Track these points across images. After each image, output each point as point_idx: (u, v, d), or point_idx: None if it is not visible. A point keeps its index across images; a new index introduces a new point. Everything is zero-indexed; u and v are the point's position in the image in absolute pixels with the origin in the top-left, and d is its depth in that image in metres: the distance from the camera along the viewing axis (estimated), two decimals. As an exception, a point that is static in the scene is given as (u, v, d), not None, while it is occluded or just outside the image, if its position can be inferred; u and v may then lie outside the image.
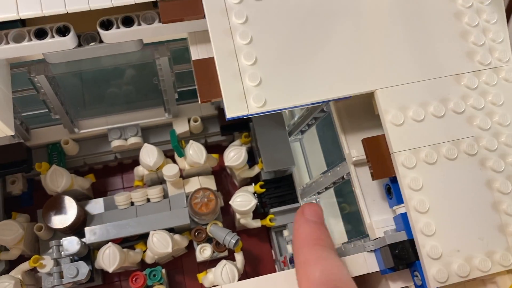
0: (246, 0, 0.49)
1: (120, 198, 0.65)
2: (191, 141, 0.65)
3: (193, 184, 0.67)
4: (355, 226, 0.70)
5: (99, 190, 0.72)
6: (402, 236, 0.48)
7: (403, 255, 0.47)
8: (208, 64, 0.49)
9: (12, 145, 0.66)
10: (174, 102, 0.67)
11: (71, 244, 0.60)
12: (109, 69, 0.65)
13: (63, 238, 0.60)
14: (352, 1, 0.50)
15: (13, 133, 0.52)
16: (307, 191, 0.67)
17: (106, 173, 0.74)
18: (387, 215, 0.52)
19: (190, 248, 0.69)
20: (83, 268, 0.59)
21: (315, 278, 0.39)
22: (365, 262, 0.51)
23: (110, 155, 0.71)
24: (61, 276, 0.59)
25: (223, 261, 0.60)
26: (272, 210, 0.67)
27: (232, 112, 0.47)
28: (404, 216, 0.48)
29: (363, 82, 0.48)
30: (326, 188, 0.63)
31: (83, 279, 0.59)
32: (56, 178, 0.62)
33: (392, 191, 0.50)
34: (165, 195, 0.67)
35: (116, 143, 0.68)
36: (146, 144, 0.64)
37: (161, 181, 0.69)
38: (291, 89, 0.48)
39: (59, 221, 0.61)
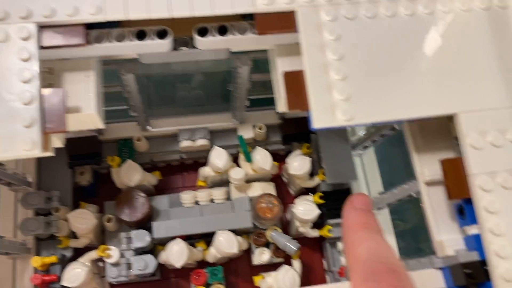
0: (340, 18, 0.52)
1: (186, 196, 0.67)
2: (258, 147, 0.68)
3: (255, 189, 0.69)
4: (409, 244, 0.72)
5: (160, 187, 0.75)
6: (475, 256, 0.49)
7: (474, 274, 0.48)
8: (298, 76, 0.51)
9: (87, 138, 0.69)
10: (243, 108, 0.70)
11: (141, 237, 0.62)
12: (186, 72, 0.68)
13: (133, 231, 0.63)
14: (439, 25, 0.52)
15: (103, 127, 0.55)
16: (367, 205, 0.69)
17: (168, 171, 0.76)
18: (455, 235, 0.54)
19: (245, 251, 0.71)
20: (152, 262, 0.61)
21: (362, 255, 0.39)
22: (432, 279, 0.52)
23: (175, 155, 0.74)
24: (128, 267, 0.62)
25: (286, 266, 0.62)
26: (330, 221, 0.69)
27: (319, 123, 0.49)
28: (477, 237, 0.49)
29: (446, 104, 0.50)
30: (389, 205, 0.65)
31: (151, 272, 0.61)
32: (130, 172, 0.65)
33: (465, 212, 0.51)
34: (228, 198, 0.69)
35: (185, 143, 0.71)
36: (216, 147, 0.67)
37: (223, 183, 0.71)
38: (378, 105, 0.50)
39: (130, 214, 0.63)
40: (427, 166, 0.55)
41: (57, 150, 0.70)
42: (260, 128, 0.72)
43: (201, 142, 0.71)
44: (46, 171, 0.69)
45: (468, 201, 0.50)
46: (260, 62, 0.68)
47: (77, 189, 0.72)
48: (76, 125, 0.52)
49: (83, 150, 0.68)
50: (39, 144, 0.46)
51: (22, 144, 0.45)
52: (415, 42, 0.52)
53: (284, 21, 0.52)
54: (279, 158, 0.76)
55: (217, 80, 0.72)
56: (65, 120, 0.47)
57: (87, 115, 0.52)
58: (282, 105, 0.56)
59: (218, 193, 0.68)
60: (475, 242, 0.50)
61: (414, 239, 0.74)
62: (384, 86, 0.50)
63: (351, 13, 0.52)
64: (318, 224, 0.71)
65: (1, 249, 0.58)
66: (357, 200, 0.47)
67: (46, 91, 0.47)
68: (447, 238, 0.53)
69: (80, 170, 0.71)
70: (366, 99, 0.50)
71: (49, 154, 0.48)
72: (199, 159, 0.76)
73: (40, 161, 0.69)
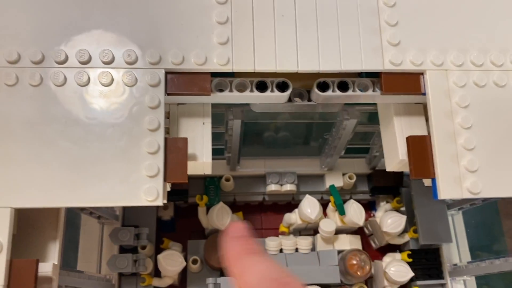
0: (469, 85, 0.50)
1: (272, 244, 0.65)
2: (352, 201, 0.66)
3: (342, 243, 0.67)
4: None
5: (239, 227, 0.73)
6: None
7: None
8: (423, 142, 0.49)
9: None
10: (338, 157, 0.68)
11: (228, 284, 0.61)
12: (290, 121, 0.66)
13: (221, 277, 0.61)
14: None
15: (210, 173, 0.54)
16: (459, 271, 0.66)
17: (247, 210, 0.74)
18: None
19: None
20: (239, 311, 0.59)
21: (253, 280, 0.37)
22: None
23: (259, 196, 0.72)
24: (213, 313, 0.60)
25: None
26: (418, 282, 0.67)
27: (445, 194, 0.47)
28: None
29: None
30: (485, 274, 0.62)
31: (238, 322, 0.59)
32: (222, 215, 0.63)
33: None
34: (313, 247, 0.67)
35: (272, 187, 0.69)
36: (308, 196, 0.65)
37: (307, 230, 0.70)
38: (506, 179, 0.48)
39: (219, 259, 0.61)
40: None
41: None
42: (350, 178, 0.70)
43: (289, 187, 0.70)
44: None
45: None
46: (367, 115, 0.66)
47: (158, 222, 0.71)
48: (189, 171, 0.51)
49: (172, 186, 0.67)
50: (162, 194, 0.45)
51: (147, 194, 0.44)
52: (547, 115, 0.50)
53: (411, 83, 0.51)
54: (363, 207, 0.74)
55: (310, 127, 0.70)
56: (186, 171, 0.46)
57: (202, 164, 0.50)
58: (395, 166, 0.54)
59: (304, 243, 0.66)
60: None
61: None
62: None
63: (483, 80, 0.50)
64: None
65: (90, 286, 0.57)
66: (233, 229, 0.45)
67: (171, 140, 0.47)
68: None
69: (164, 205, 0.70)
70: (495, 172, 0.48)
71: (163, 202, 0.47)
72: (280, 202, 0.74)
73: (127, 194, 0.68)
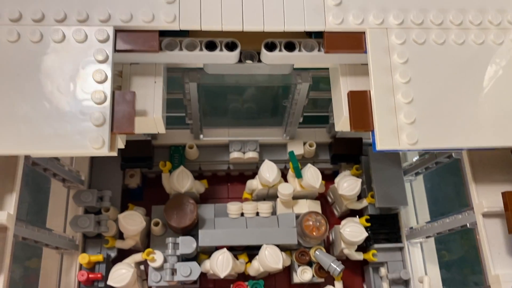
0: (409, 42, 0.52)
1: (233, 207, 0.67)
2: (309, 165, 0.68)
3: (302, 206, 0.69)
4: (454, 275, 0.70)
5: (205, 196, 0.75)
6: (535, 295, 0.48)
7: (535, 315, 0.47)
8: (363, 97, 0.51)
9: (141, 142, 0.70)
10: (296, 125, 0.70)
11: (188, 243, 0.63)
12: (245, 84, 0.69)
13: (180, 237, 0.63)
14: (510, 55, 0.52)
15: (164, 131, 0.56)
16: (416, 233, 0.68)
17: (214, 182, 0.77)
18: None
19: (284, 268, 0.70)
20: (196, 269, 0.61)
21: None
22: (485, 314, 0.51)
23: (223, 165, 0.74)
24: (172, 273, 0.62)
25: (330, 287, 0.61)
26: (376, 246, 0.68)
27: (383, 145, 0.49)
28: (538, 275, 0.48)
29: (513, 136, 0.50)
30: (438, 234, 0.63)
31: (194, 279, 0.61)
32: (182, 179, 0.65)
33: (526, 248, 0.50)
34: (273, 212, 0.69)
35: (235, 154, 0.71)
36: (267, 161, 0.67)
37: (269, 197, 0.71)
38: (443, 131, 0.50)
39: (179, 219, 0.64)
40: (485, 197, 0.54)
41: (110, 151, 0.72)
42: (310, 146, 0.72)
43: (251, 154, 0.72)
44: (98, 171, 0.70)
45: (530, 237, 0.49)
46: (319, 80, 0.68)
47: (125, 191, 0.73)
48: (141, 128, 0.53)
49: (136, 153, 0.70)
50: (108, 143, 0.47)
51: (93, 142, 0.46)
52: (484, 71, 0.52)
53: (353, 41, 0.53)
54: (326, 177, 0.75)
55: (270, 95, 0.72)
56: (134, 123, 0.49)
57: (153, 119, 0.53)
58: (341, 124, 0.56)
59: (264, 207, 0.68)
60: (536, 280, 0.48)
61: (460, 271, 0.72)
62: (450, 112, 0.50)
63: (421, 37, 0.52)
64: (362, 247, 0.70)
65: (52, 243, 0.59)
66: None
67: (118, 93, 0.49)
68: (504, 273, 0.52)
69: (131, 173, 0.72)
70: (431, 124, 0.50)
71: (114, 154, 0.49)
72: (245, 172, 0.76)
73: (92, 161, 0.71)
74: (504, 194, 0.51)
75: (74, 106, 0.47)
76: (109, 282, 0.60)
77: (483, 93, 0.51)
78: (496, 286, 0.51)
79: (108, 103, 0.48)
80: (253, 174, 0.75)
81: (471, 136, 0.50)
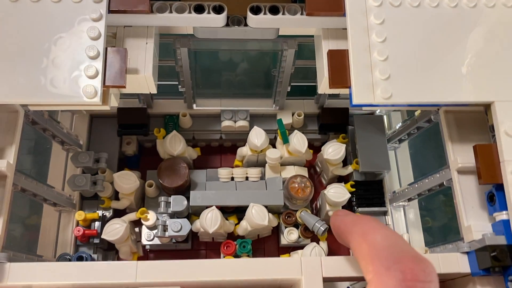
0: (385, 4, 0.55)
1: (224, 172, 0.70)
2: (296, 131, 0.71)
3: (289, 171, 0.72)
4: (436, 239, 0.72)
5: (198, 165, 0.78)
6: (502, 240, 0.50)
7: (501, 257, 0.49)
8: (342, 55, 0.54)
9: (137, 109, 0.74)
10: (285, 95, 0.73)
11: (179, 201, 0.66)
12: (232, 56, 0.72)
13: (172, 196, 0.67)
14: (482, 17, 0.55)
15: (155, 91, 0.59)
16: (398, 196, 0.70)
17: (207, 151, 0.80)
18: (484, 222, 0.55)
19: (273, 232, 0.73)
20: (186, 225, 0.65)
21: (380, 243, 0.39)
22: (457, 262, 0.53)
23: (216, 135, 0.78)
24: (164, 229, 0.65)
25: (313, 243, 0.64)
26: (359, 209, 0.71)
27: (358, 99, 0.52)
28: (506, 222, 0.51)
29: (484, 93, 0.52)
30: (419, 195, 0.66)
31: (184, 234, 0.64)
32: (175, 142, 0.69)
33: (496, 198, 0.52)
34: (262, 177, 0.72)
35: (226, 123, 0.74)
36: (255, 127, 0.70)
37: (258, 164, 0.74)
38: (416, 87, 0.52)
39: (171, 180, 0.67)
40: (460, 154, 0.57)
41: (108, 118, 0.76)
42: (299, 115, 0.75)
43: (241, 123, 0.75)
44: (96, 136, 0.74)
45: (499, 188, 0.52)
46: (305, 50, 0.71)
47: (122, 159, 0.77)
48: (133, 87, 0.57)
49: (132, 120, 0.73)
50: (100, 94, 0.50)
51: (86, 92, 0.50)
52: (457, 32, 0.55)
53: (332, 4, 0.56)
54: (315, 149, 0.78)
55: (260, 67, 0.75)
56: (125, 77, 0.52)
57: (143, 77, 0.56)
58: (324, 86, 0.59)
59: (253, 172, 0.71)
60: (504, 228, 0.51)
61: (442, 236, 0.75)
62: (423, 70, 0.53)
63: (397, 0, 0.55)
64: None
65: (51, 198, 0.63)
66: (340, 211, 0.50)
67: (111, 49, 0.52)
68: (475, 223, 0.54)
69: (127, 140, 0.76)
70: (405, 80, 0.52)
71: (106, 107, 0.53)
72: (238, 142, 0.79)
73: (91, 126, 0.74)
74: (475, 147, 0.53)
75: (69, 60, 0.51)
76: (103, 236, 0.63)
77: (456, 53, 0.54)
78: (468, 235, 0.54)
79: (101, 57, 0.51)
80: (244, 145, 0.78)
81: (444, 92, 0.53)
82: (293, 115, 0.76)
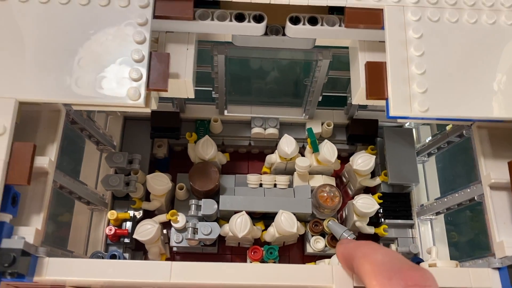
0: (424, 19, 0.56)
1: (252, 178, 0.71)
2: (326, 140, 0.72)
3: (317, 180, 0.73)
4: (462, 254, 0.72)
5: (226, 170, 0.79)
6: (536, 257, 0.50)
7: (534, 274, 0.49)
8: (379, 67, 0.55)
9: (170, 113, 0.75)
10: (315, 104, 0.74)
11: (209, 205, 0.67)
12: (263, 64, 0.73)
13: (203, 199, 0.68)
14: (520, 36, 0.55)
15: (193, 96, 0.61)
16: (426, 210, 0.71)
17: (236, 157, 0.81)
18: (516, 239, 0.55)
19: (298, 240, 0.74)
20: (216, 228, 0.66)
21: (380, 259, 0.42)
22: (488, 277, 0.53)
23: (245, 141, 0.79)
24: (194, 232, 0.66)
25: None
26: (386, 221, 0.71)
27: (395, 111, 0.53)
28: (540, 240, 0.51)
29: (518, 109, 0.53)
30: (447, 209, 0.66)
31: (214, 238, 0.65)
32: (207, 147, 0.70)
33: (529, 215, 0.52)
34: (290, 185, 0.73)
35: (256, 130, 0.76)
36: (286, 135, 0.71)
37: (287, 172, 0.75)
38: (453, 102, 0.53)
39: (202, 183, 0.68)
40: (493, 170, 0.57)
41: (141, 121, 0.77)
42: (328, 125, 0.76)
43: (271, 131, 0.76)
44: (129, 138, 0.76)
45: (534, 205, 0.52)
46: (335, 61, 0.72)
47: (153, 162, 0.78)
48: (173, 91, 0.58)
49: (165, 123, 0.75)
50: (144, 97, 0.52)
51: (130, 94, 0.51)
52: (494, 49, 0.55)
53: (371, 17, 0.57)
54: (342, 159, 0.79)
55: (291, 76, 0.77)
56: (167, 81, 0.53)
57: (183, 82, 0.57)
58: (359, 97, 0.60)
59: (282, 179, 0.72)
60: (538, 244, 0.51)
61: (468, 251, 0.75)
62: (460, 85, 0.54)
63: (435, 15, 0.56)
64: (373, 223, 0.73)
65: (86, 196, 0.64)
66: (343, 240, 0.54)
67: (155, 53, 0.54)
68: (508, 240, 0.54)
69: (159, 143, 0.77)
70: (442, 94, 0.53)
71: (148, 110, 0.54)
72: (265, 149, 0.80)
73: (124, 128, 0.76)
74: (510, 163, 0.53)
75: (115, 62, 0.52)
76: (135, 236, 0.64)
77: (492, 69, 0.54)
78: (500, 251, 0.54)
79: (145, 61, 0.53)
80: (272, 152, 0.79)
81: (480, 107, 0.53)
82: (322, 124, 0.77)
